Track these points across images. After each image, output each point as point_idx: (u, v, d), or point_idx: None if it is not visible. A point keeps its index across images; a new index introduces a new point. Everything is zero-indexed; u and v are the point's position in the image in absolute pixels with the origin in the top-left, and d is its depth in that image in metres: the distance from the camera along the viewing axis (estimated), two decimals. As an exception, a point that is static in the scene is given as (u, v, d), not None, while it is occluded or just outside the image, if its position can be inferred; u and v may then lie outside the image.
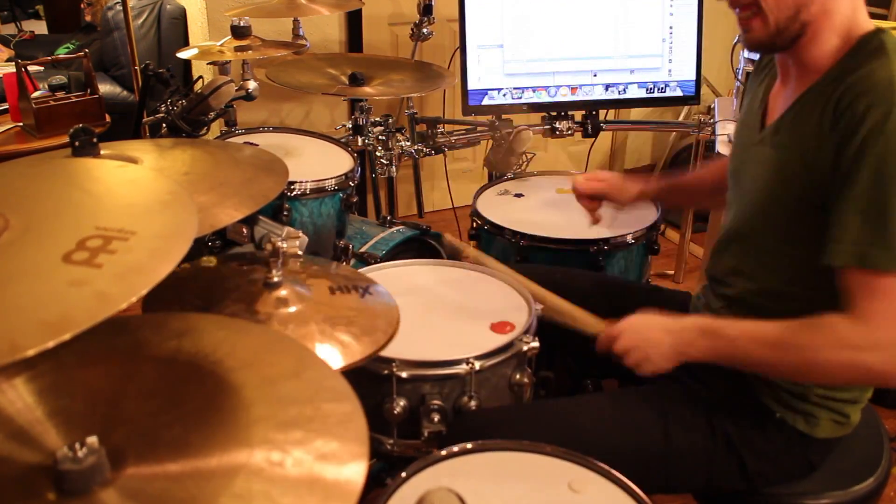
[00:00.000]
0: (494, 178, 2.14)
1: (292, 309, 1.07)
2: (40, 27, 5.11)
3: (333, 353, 1.00)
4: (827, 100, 1.04)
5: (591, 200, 1.57)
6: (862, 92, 0.99)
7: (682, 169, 3.43)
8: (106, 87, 3.21)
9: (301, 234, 1.11)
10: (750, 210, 1.19)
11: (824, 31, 1.07)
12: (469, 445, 1.05)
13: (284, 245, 1.07)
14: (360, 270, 1.38)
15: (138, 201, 0.82)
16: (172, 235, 0.72)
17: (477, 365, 1.22)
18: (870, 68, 1.01)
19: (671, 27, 2.20)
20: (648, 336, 1.15)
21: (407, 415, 1.23)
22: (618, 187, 1.55)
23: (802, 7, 1.06)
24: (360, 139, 2.22)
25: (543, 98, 2.23)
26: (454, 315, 1.39)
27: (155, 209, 0.78)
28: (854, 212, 0.99)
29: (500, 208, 1.88)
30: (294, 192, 1.77)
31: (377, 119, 2.26)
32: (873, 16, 1.13)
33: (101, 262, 0.66)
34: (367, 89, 2.15)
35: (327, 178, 1.81)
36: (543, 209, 1.91)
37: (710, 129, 2.41)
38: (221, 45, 1.98)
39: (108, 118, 2.61)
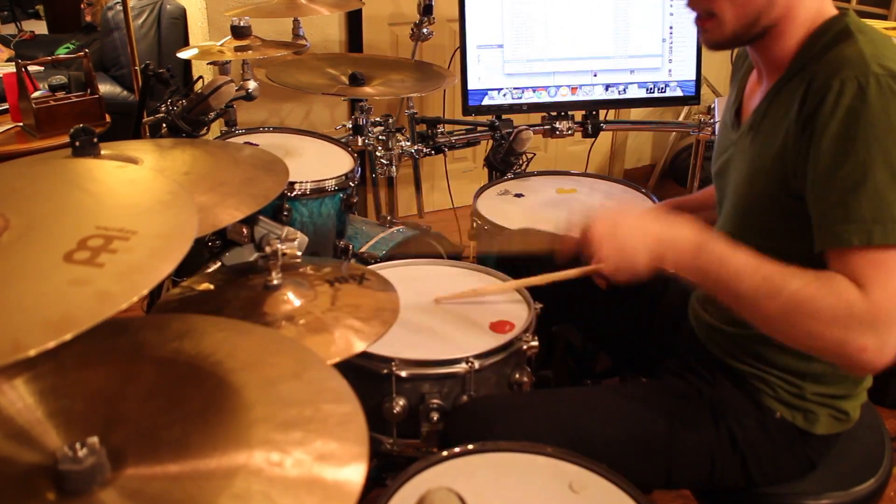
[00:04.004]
0: (494, 178, 2.14)
1: (296, 304, 1.07)
2: (40, 27, 5.12)
3: (348, 340, 1.01)
4: (797, 87, 1.02)
5: None
6: (834, 70, 0.97)
7: (681, 178, 3.43)
8: (106, 87, 3.21)
9: (299, 234, 1.12)
10: (731, 210, 1.18)
11: (788, 29, 1.06)
12: (470, 446, 1.05)
13: (283, 247, 1.07)
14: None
15: (139, 201, 0.82)
16: (173, 235, 0.72)
17: (476, 364, 1.22)
18: (837, 49, 0.99)
19: (671, 27, 2.20)
20: (628, 238, 1.03)
21: (406, 414, 1.23)
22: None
23: (763, 14, 1.05)
24: (360, 139, 2.22)
25: (543, 98, 2.23)
26: (453, 314, 1.39)
27: (155, 209, 0.78)
28: (846, 189, 0.95)
29: (500, 208, 1.88)
30: (294, 193, 1.77)
31: (377, 119, 2.26)
32: (873, 16, 1.13)
33: (102, 261, 0.66)
34: (367, 89, 2.15)
35: (327, 179, 1.81)
36: (543, 209, 1.91)
37: (710, 129, 2.41)
38: (221, 45, 1.98)
39: (108, 118, 2.61)
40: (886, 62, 0.96)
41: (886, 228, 0.92)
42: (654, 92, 2.27)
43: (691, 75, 2.25)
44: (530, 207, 1.92)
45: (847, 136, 0.95)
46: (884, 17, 2.91)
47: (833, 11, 1.07)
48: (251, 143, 1.91)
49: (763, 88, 1.14)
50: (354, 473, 0.66)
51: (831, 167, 0.96)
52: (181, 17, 3.28)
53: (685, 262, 1.03)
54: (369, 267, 1.40)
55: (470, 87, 2.16)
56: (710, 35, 1.09)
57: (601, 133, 2.39)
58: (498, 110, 2.22)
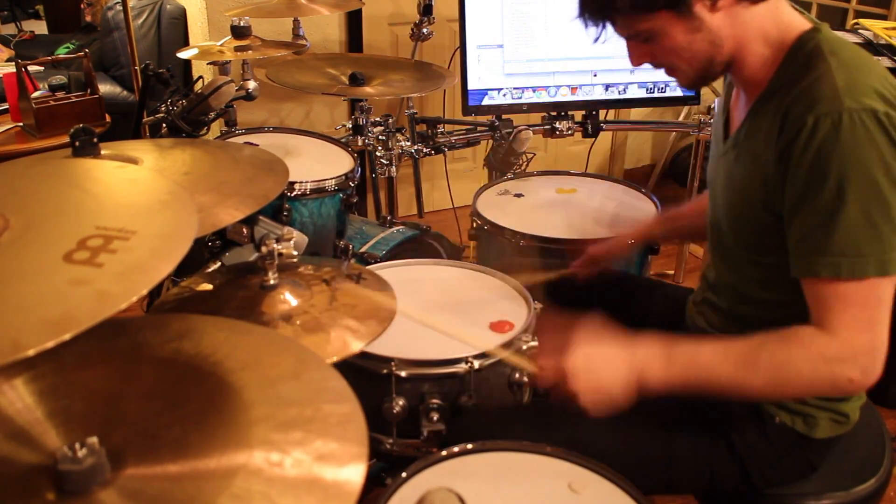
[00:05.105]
0: (494, 178, 2.14)
1: (293, 304, 1.07)
2: (40, 27, 5.13)
3: (344, 340, 1.01)
4: (774, 113, 1.03)
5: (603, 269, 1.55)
6: (808, 105, 0.97)
7: (681, 178, 3.44)
8: (106, 87, 3.21)
9: (296, 233, 1.11)
10: (722, 222, 1.19)
11: (749, 52, 1.07)
12: (469, 445, 1.05)
13: (280, 247, 1.07)
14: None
15: (138, 201, 0.82)
16: (173, 235, 0.72)
17: (476, 364, 1.22)
18: (812, 77, 0.99)
19: (671, 27, 2.19)
20: (602, 373, 1.04)
21: (406, 414, 1.23)
22: (612, 244, 1.56)
23: (713, 55, 1.06)
24: (360, 139, 2.22)
25: (543, 98, 2.23)
26: (454, 314, 1.39)
27: (155, 209, 0.79)
28: (818, 223, 0.97)
29: (500, 208, 1.88)
30: (294, 193, 1.77)
31: (377, 119, 2.26)
32: (873, 16, 1.12)
33: (101, 261, 0.66)
34: (367, 89, 2.15)
35: (327, 179, 1.81)
36: (543, 209, 1.91)
37: (710, 129, 2.41)
38: (221, 45, 1.98)
39: (108, 118, 2.61)
40: (859, 93, 0.96)
41: (854, 263, 0.95)
42: (654, 92, 2.27)
43: (691, 75, 2.24)
44: (530, 207, 1.92)
45: (820, 172, 0.96)
46: (884, 17, 2.91)
47: (802, 25, 1.06)
48: (251, 143, 1.91)
49: (744, 105, 1.14)
50: (354, 473, 0.66)
51: (805, 200, 0.98)
52: (181, 17, 3.29)
53: (662, 376, 1.03)
54: (369, 267, 1.40)
55: (470, 87, 2.17)
56: (680, 82, 1.15)
57: (601, 133, 2.39)
58: (498, 110, 2.22)
